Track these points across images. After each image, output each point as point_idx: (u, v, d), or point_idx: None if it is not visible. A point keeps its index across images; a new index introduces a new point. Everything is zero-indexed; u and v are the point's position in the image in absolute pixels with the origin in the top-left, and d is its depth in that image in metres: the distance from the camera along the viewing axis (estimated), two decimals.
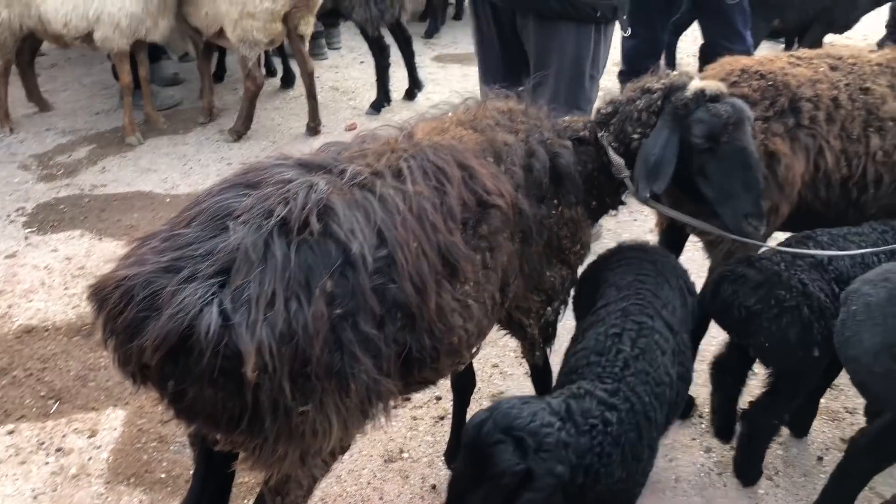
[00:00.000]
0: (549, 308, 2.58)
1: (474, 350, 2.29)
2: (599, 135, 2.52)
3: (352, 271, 1.72)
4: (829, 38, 7.30)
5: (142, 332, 1.58)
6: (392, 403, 1.99)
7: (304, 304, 1.64)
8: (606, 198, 2.62)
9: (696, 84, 2.42)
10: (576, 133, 2.54)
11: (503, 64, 3.89)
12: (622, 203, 2.72)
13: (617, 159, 2.48)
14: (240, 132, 5.83)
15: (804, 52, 2.98)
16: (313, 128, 5.85)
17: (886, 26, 7.63)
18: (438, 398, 3.25)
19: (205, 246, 1.66)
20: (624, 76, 5.25)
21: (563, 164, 2.39)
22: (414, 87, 6.55)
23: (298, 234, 1.69)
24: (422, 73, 6.75)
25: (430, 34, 8.23)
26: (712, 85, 2.44)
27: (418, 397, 3.24)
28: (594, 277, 2.62)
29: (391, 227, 1.83)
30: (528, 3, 3.67)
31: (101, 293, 1.68)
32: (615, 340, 2.24)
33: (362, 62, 7.22)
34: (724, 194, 2.41)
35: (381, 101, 6.31)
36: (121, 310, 1.62)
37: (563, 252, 2.49)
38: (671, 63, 6.50)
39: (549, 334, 2.69)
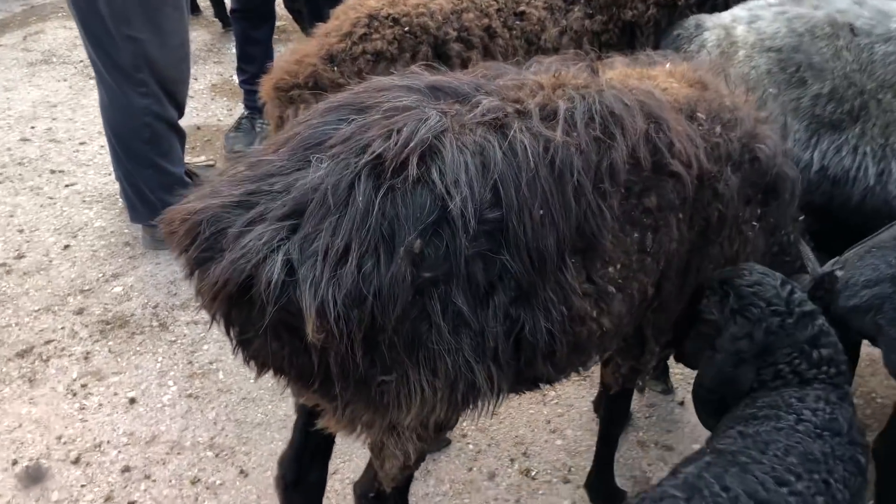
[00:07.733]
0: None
1: (606, 354, 1.97)
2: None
3: (448, 231, 1.43)
4: None
5: (204, 274, 1.46)
6: (492, 398, 1.64)
7: (382, 262, 1.39)
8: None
9: None
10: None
11: None
12: None
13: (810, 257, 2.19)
14: None
15: None
16: None
17: None
18: None
19: (284, 180, 1.46)
20: (236, 14, 4.58)
21: (790, 185, 2.00)
22: None
23: (391, 179, 1.42)
24: None
25: None
26: None
27: None
28: None
29: (512, 185, 1.48)
30: None
31: (169, 226, 1.52)
32: None
33: None
34: None
35: None
36: (186, 247, 1.48)
37: None
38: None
39: (653, 364, 2.19)
